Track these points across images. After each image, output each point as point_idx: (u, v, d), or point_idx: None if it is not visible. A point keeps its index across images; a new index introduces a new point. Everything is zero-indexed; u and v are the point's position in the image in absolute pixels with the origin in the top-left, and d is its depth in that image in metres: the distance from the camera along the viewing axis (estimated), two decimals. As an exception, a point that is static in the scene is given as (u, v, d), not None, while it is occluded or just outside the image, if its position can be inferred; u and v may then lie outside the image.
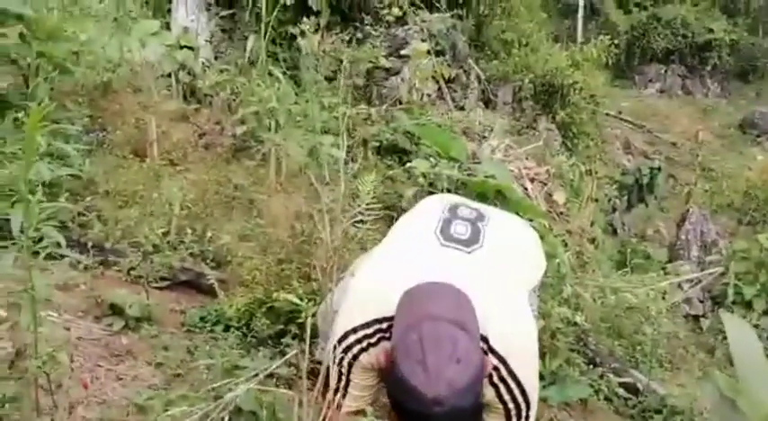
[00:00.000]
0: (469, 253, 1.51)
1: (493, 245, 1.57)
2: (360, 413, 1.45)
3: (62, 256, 2.11)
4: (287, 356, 1.23)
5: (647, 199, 6.46)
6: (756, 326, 3.97)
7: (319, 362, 1.43)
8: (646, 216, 6.95)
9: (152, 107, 3.57)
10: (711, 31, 11.76)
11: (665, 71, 12.06)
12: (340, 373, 1.41)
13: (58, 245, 1.23)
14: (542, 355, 2.68)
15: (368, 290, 1.42)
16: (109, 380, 1.73)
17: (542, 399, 2.41)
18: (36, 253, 1.28)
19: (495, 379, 1.36)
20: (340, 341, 1.38)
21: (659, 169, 6.60)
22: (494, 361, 1.35)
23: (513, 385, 1.36)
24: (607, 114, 8.69)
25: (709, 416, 2.43)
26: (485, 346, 1.34)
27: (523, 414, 1.39)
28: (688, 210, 6.19)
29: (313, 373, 1.57)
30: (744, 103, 11.45)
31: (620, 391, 2.73)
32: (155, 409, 1.09)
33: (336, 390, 1.44)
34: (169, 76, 3.96)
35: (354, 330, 1.37)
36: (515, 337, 1.40)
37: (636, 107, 10.46)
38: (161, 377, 1.74)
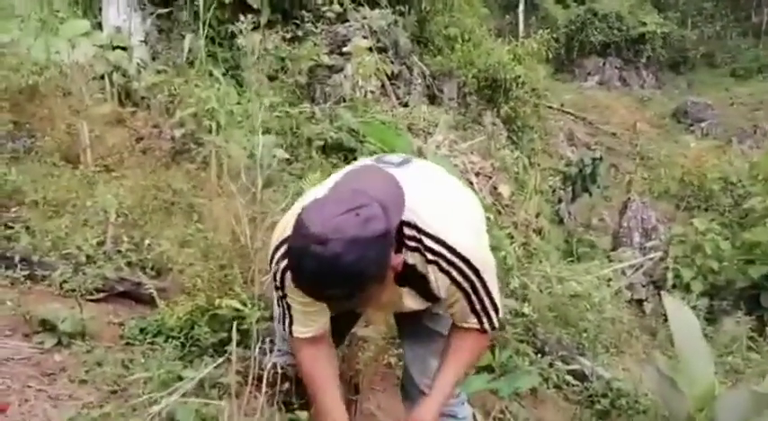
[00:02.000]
0: (401, 166, 1.52)
1: (427, 165, 1.64)
2: (318, 341, 1.45)
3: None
4: (219, 362, 1.18)
5: (590, 189, 6.65)
6: (694, 308, 4.13)
7: (265, 368, 1.38)
8: (590, 205, 7.15)
9: (84, 111, 3.41)
10: (644, 24, 12.24)
11: (603, 64, 12.48)
12: (279, 296, 1.42)
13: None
14: (491, 348, 2.71)
15: (300, 205, 1.38)
16: (39, 400, 1.64)
17: (493, 392, 2.43)
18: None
19: (444, 264, 1.36)
20: (272, 255, 1.39)
21: (601, 159, 6.81)
22: (430, 243, 1.34)
23: (455, 259, 1.35)
24: (550, 107, 8.91)
25: (652, 396, 2.51)
26: (414, 232, 1.34)
27: (478, 286, 1.39)
28: (629, 199, 6.40)
29: (259, 379, 1.53)
30: (677, 93, 11.97)
31: (569, 378, 2.79)
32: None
33: (284, 318, 1.43)
34: (102, 78, 3.81)
35: (284, 242, 1.34)
36: (451, 220, 1.40)
37: (577, 99, 10.76)
38: (96, 394, 1.65)
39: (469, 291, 1.40)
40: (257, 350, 1.16)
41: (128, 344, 2.03)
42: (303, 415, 1.23)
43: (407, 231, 1.34)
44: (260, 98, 4.13)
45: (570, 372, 2.81)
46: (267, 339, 1.66)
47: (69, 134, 3.24)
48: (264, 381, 1.16)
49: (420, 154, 4.00)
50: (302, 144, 3.77)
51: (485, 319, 1.46)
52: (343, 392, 1.41)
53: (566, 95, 10.53)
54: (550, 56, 8.11)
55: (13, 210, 2.52)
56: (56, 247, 2.34)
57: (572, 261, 4.15)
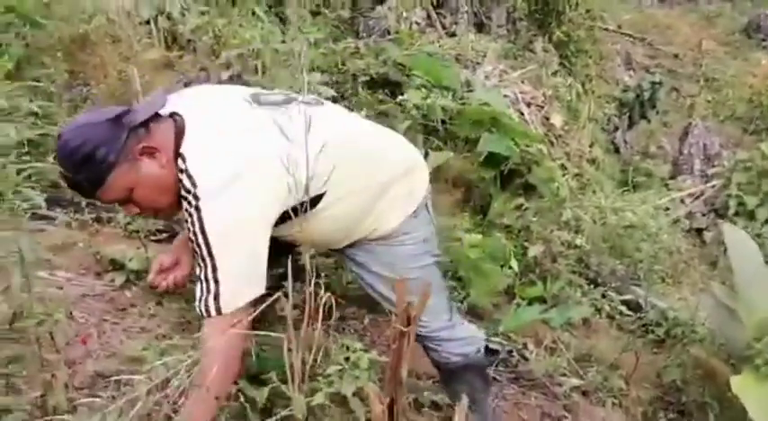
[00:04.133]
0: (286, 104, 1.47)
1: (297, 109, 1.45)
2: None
3: (55, 217, 2.12)
4: (273, 297, 1.23)
5: (649, 115, 6.33)
6: (759, 236, 3.98)
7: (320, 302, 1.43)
8: (648, 132, 6.84)
9: (133, 57, 3.47)
10: (714, -70, 11.17)
11: (666, -22, 11.55)
12: None
13: (39, 206, 1.22)
14: (543, 279, 2.72)
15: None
16: (115, 333, 1.77)
17: (544, 322, 2.46)
18: (20, 215, 1.27)
19: (186, 205, 1.33)
20: None
21: (660, 83, 6.44)
22: (185, 179, 1.33)
23: (194, 219, 1.30)
24: (606, 29, 8.41)
25: (709, 325, 2.48)
26: (182, 163, 1.34)
27: (205, 255, 1.30)
28: (690, 124, 6.09)
29: (316, 312, 1.59)
30: (749, 7, 11.01)
31: (622, 308, 2.78)
32: (148, 359, 1.12)
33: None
34: (147, 23, 3.83)
35: None
36: (214, 172, 1.33)
37: (636, 19, 10.09)
38: (165, 327, 1.77)
39: (197, 252, 1.31)
40: (312, 285, 1.20)
41: (190, 281, 2.15)
42: (357, 343, 1.28)
43: (180, 163, 1.36)
44: (303, 35, 4.08)
45: (624, 303, 2.80)
46: (322, 274, 1.72)
47: (121, 80, 3.31)
48: (320, 315, 1.21)
49: (468, 85, 3.91)
50: (348, 80, 3.73)
51: (201, 296, 1.32)
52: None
53: (624, 15, 9.89)
54: (607, -27, 7.59)
55: (77, 156, 2.63)
56: (118, 191, 2.45)
57: (628, 191, 4.03)
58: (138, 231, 2.21)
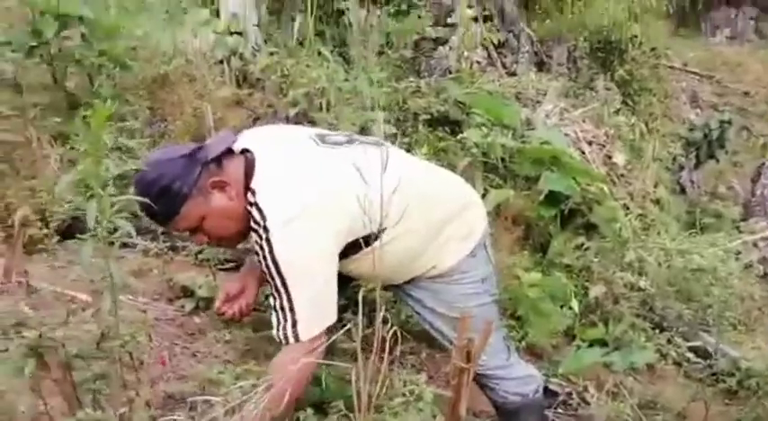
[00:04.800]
0: (327, 145, 1.56)
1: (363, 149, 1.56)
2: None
3: (135, 245, 2.26)
4: (342, 330, 1.28)
5: (717, 154, 6.12)
6: (840, 284, 3.74)
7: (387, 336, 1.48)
8: (717, 172, 6.60)
9: (207, 95, 3.69)
10: (786, -33, 10.87)
11: (735, 15, 11.26)
12: None
13: (130, 235, 1.32)
14: (605, 321, 2.66)
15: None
16: (185, 356, 1.86)
17: (606, 365, 2.40)
18: (111, 243, 1.38)
19: (258, 239, 1.39)
20: None
21: (730, 122, 6.23)
22: (254, 212, 1.41)
23: (263, 241, 1.37)
24: (671, 67, 8.25)
25: (786, 378, 2.34)
26: (252, 197, 1.43)
27: (279, 286, 1.38)
28: (763, 164, 5.85)
29: (370, 345, 1.63)
30: (825, 44, 10.57)
31: (690, 355, 2.67)
32: (225, 383, 1.18)
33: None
34: (221, 62, 4.07)
35: None
36: (283, 205, 1.39)
37: (703, 57, 9.85)
38: (232, 353, 1.85)
39: (271, 283, 1.38)
40: (380, 317, 1.24)
41: (255, 309, 2.23)
42: (421, 377, 1.30)
43: (249, 197, 1.45)
44: (367, 74, 4.22)
45: (691, 349, 2.69)
46: (385, 307, 1.76)
47: (195, 117, 3.52)
48: (387, 347, 1.25)
49: (529, 123, 3.92)
50: (409, 118, 3.82)
51: (279, 324, 1.40)
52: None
53: (689, 53, 9.67)
54: (672, 10, 7.48)
55: (154, 188, 2.80)
56: (191, 221, 2.59)
57: (695, 233, 3.89)
58: (208, 260, 2.33)
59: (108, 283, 1.32)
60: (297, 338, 1.39)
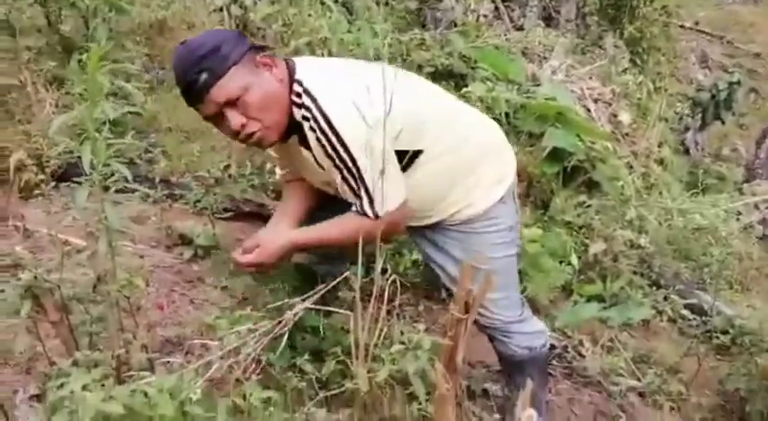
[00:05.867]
0: None
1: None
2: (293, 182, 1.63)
3: (133, 191, 2.24)
4: (339, 278, 1.28)
5: (723, 116, 6.04)
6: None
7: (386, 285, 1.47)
8: (722, 134, 6.54)
9: (207, 43, 3.60)
10: None
11: (750, -27, 10.93)
12: None
13: (126, 179, 1.30)
14: (603, 278, 2.67)
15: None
16: (183, 303, 1.86)
17: (603, 320, 2.42)
18: (107, 187, 1.36)
19: (314, 125, 1.37)
20: None
21: (739, 83, 6.12)
22: (307, 101, 1.38)
23: (324, 125, 1.35)
24: (681, 26, 8.06)
25: (781, 338, 2.37)
26: (299, 88, 1.40)
27: (351, 167, 1.38)
28: (769, 126, 5.77)
29: (381, 295, 1.63)
30: (841, 4, 10.29)
31: (685, 312, 2.69)
32: (222, 327, 1.18)
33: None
34: (221, 10, 3.96)
35: None
36: (338, 91, 1.38)
37: (714, 16, 9.62)
38: (230, 300, 1.85)
39: (341, 166, 1.38)
40: (379, 266, 1.23)
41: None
42: (420, 326, 1.31)
43: (296, 87, 1.41)
44: (370, 25, 4.11)
45: (687, 307, 2.71)
46: (384, 258, 1.75)
47: (195, 65, 3.44)
48: (385, 297, 1.24)
49: (534, 79, 3.85)
50: (413, 71, 3.74)
51: (359, 202, 1.43)
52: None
53: (701, 12, 9.44)
54: (686, -34, 7.27)
55: (152, 135, 2.77)
56: (189, 170, 2.56)
57: (697, 193, 3.87)
58: (206, 208, 2.31)
59: (104, 227, 1.30)
60: (375, 215, 1.40)
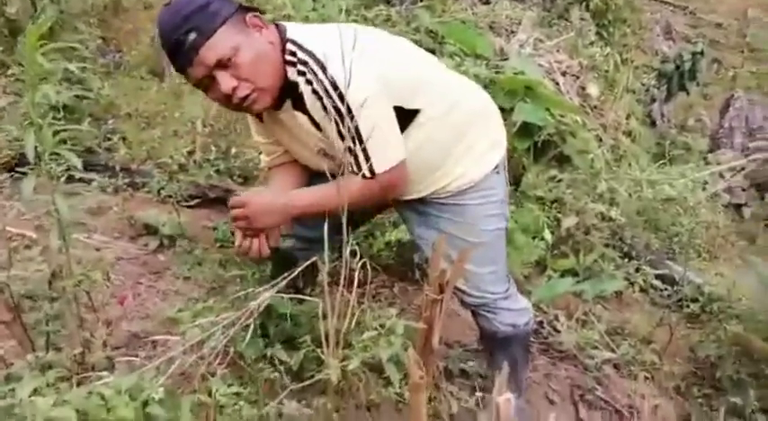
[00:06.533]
0: None
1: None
2: (283, 165, 1.57)
3: (89, 181, 2.15)
4: (306, 263, 1.23)
5: (688, 86, 6.09)
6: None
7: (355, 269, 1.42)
8: (687, 105, 6.62)
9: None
10: None
11: (712, -57, 11.01)
12: None
13: (77, 167, 1.22)
14: (576, 251, 2.67)
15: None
16: (150, 295, 1.80)
17: (577, 294, 2.42)
18: (58, 178, 1.28)
19: (312, 78, 1.32)
20: None
21: (702, 53, 6.17)
22: (303, 55, 1.34)
23: (324, 78, 1.31)
24: (646, -3, 8.09)
25: (748, 303, 2.41)
26: (294, 47, 1.36)
27: (347, 118, 1.32)
28: (732, 96, 5.86)
29: (350, 280, 1.59)
30: (799, -27, 10.45)
31: (656, 283, 2.72)
32: (184, 321, 1.13)
33: None
34: (179, -12, 3.83)
35: None
36: (335, 50, 1.29)
37: (678, -13, 9.67)
38: (198, 290, 1.79)
39: (338, 119, 1.33)
40: (347, 251, 1.19)
41: (222, 246, 2.16)
42: (392, 310, 1.27)
43: (289, 46, 1.36)
44: (335, 1, 4.00)
45: (658, 277, 2.74)
46: (355, 240, 1.70)
47: (153, 47, 3.31)
48: (355, 282, 1.20)
49: (502, 53, 3.81)
50: (379, 48, 3.67)
51: (355, 161, 1.37)
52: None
53: (664, -17, 9.49)
54: (649, -63, 7.27)
55: (110, 122, 2.66)
56: (151, 157, 2.47)
57: (664, 164, 3.91)
58: (170, 196, 2.23)
59: (55, 220, 1.22)
60: (372, 172, 1.36)
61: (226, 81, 1.32)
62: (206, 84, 1.35)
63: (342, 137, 1.35)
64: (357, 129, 1.32)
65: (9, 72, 2.51)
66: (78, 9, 3.22)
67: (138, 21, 3.56)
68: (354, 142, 1.34)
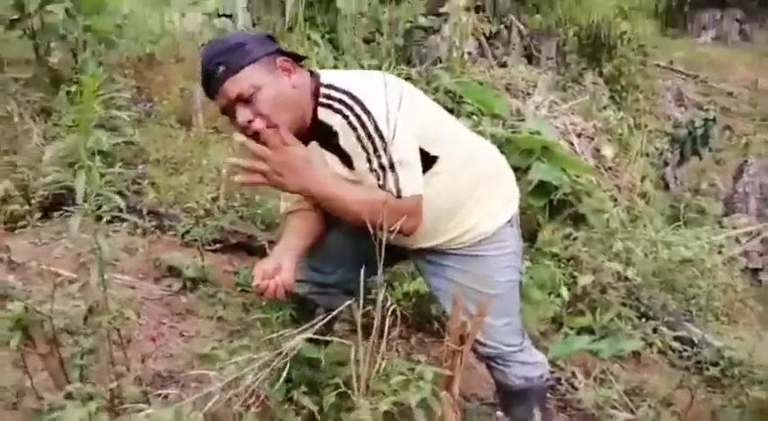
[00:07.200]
0: None
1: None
2: (301, 211, 1.60)
3: (122, 221, 2.21)
4: (337, 309, 1.26)
5: (700, 151, 6.20)
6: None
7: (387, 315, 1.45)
8: (700, 169, 6.69)
9: (195, 76, 3.62)
10: (771, -31, 10.99)
11: (721, 17, 11.38)
12: None
13: (120, 210, 1.28)
14: (592, 310, 2.67)
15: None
16: (173, 336, 1.82)
17: (593, 353, 2.41)
18: (100, 217, 1.34)
19: (348, 113, 1.38)
20: None
21: (714, 120, 6.31)
22: (338, 95, 1.41)
23: (361, 112, 1.37)
24: (657, 66, 8.33)
25: (769, 368, 2.38)
26: (330, 91, 1.43)
27: (379, 148, 1.38)
28: (746, 162, 5.93)
29: (366, 329, 1.61)
30: (808, 46, 10.71)
31: (675, 344, 2.69)
32: (220, 358, 1.15)
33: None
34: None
35: None
36: (365, 85, 1.42)
37: (688, 57, 9.94)
38: (221, 333, 1.81)
39: (369, 148, 1.39)
40: (381, 295, 1.22)
41: (243, 290, 2.19)
42: (421, 356, 1.28)
43: (323, 90, 1.44)
44: (357, 61, 4.18)
45: (676, 339, 2.71)
46: (372, 291, 1.73)
47: (182, 98, 3.46)
48: (386, 328, 1.22)
49: (519, 114, 3.92)
50: (399, 106, 3.79)
51: (383, 181, 1.42)
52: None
53: (676, 53, 9.76)
54: (660, 9, 7.55)
55: (140, 167, 2.75)
56: (177, 201, 2.55)
57: (679, 227, 3.93)
58: (195, 240, 2.28)
59: (95, 258, 1.27)
60: (399, 193, 1.42)
61: (242, 114, 1.42)
62: (230, 113, 1.46)
63: (372, 170, 1.42)
64: (391, 157, 1.39)
65: (50, 119, 2.63)
66: (115, 61, 3.39)
67: (170, 73, 3.72)
68: (385, 170, 1.41)
